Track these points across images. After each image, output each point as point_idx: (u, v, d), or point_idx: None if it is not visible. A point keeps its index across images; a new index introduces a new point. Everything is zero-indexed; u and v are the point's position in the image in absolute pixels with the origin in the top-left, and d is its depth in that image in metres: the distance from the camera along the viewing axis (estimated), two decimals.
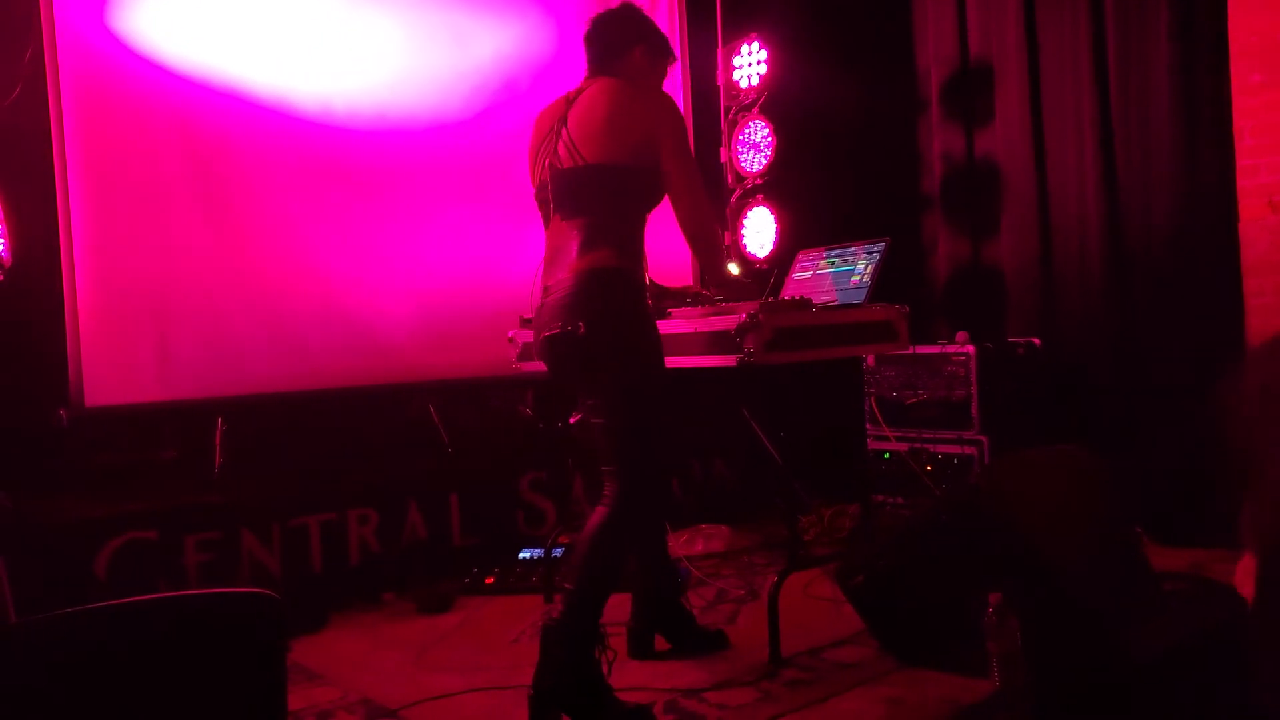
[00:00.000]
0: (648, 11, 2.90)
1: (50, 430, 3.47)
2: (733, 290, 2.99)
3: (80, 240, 3.53)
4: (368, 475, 4.00)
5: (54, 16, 3.50)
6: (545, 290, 2.67)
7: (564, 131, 2.65)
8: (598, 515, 2.56)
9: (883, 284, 3.29)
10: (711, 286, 3.01)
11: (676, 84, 5.04)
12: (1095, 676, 2.05)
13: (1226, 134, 3.91)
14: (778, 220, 4.86)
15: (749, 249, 4.92)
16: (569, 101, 2.72)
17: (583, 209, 2.61)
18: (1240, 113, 3.87)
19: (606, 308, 2.54)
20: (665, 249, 3.19)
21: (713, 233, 2.71)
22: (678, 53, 2.91)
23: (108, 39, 3.62)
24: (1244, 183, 3.87)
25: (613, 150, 2.57)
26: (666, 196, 2.67)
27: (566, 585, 2.54)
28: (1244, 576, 0.78)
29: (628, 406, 2.56)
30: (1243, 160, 3.87)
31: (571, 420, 3.32)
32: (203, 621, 1.47)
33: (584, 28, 2.82)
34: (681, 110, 2.75)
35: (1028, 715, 2.14)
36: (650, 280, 3.03)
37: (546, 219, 2.77)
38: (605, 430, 2.58)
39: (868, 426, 4.49)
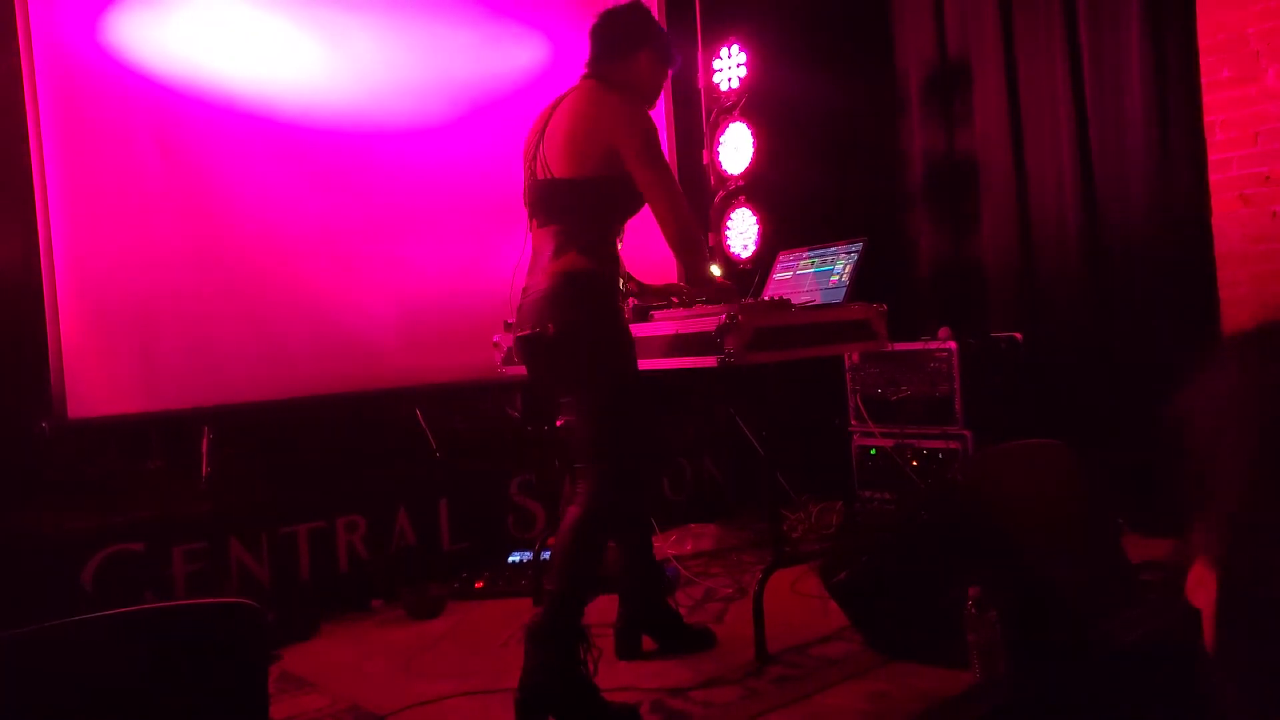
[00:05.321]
0: None
1: (33, 443, 3.46)
2: (714, 292, 2.98)
3: (60, 250, 3.51)
4: (356, 482, 4.01)
5: (30, 22, 3.47)
6: (523, 292, 2.73)
7: (541, 144, 2.70)
8: (570, 514, 2.58)
9: (862, 283, 3.32)
10: (694, 288, 3.00)
11: None
12: (1072, 666, 2.08)
13: (1198, 129, 3.96)
14: (760, 221, 4.89)
15: (732, 250, 4.94)
16: (556, 105, 2.75)
17: (555, 218, 2.67)
18: (1211, 108, 3.92)
19: (575, 308, 2.60)
20: (648, 249, 3.19)
21: (693, 235, 2.68)
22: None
23: (87, 45, 3.59)
24: (1216, 176, 3.92)
25: (577, 165, 2.61)
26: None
27: (547, 586, 2.57)
28: (1195, 587, 0.77)
29: (597, 404, 2.60)
30: (1214, 154, 3.92)
31: (559, 423, 3.34)
32: (184, 632, 1.49)
33: (592, 20, 2.81)
34: (662, 112, 2.76)
35: (1006, 706, 2.17)
36: (635, 280, 3.06)
37: (529, 221, 2.82)
38: (576, 428, 2.64)
39: (853, 423, 4.52)
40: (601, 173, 2.60)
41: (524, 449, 4.42)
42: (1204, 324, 3.91)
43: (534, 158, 2.72)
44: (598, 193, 2.63)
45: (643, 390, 2.68)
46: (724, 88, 4.91)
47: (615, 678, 2.73)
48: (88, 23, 3.60)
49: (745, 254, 4.89)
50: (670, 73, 2.91)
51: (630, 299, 3.05)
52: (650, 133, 2.63)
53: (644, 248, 2.84)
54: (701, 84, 5.01)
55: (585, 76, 2.78)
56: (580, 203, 2.64)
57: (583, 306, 2.60)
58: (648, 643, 3.04)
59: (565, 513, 2.61)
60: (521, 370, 3.01)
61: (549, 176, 2.66)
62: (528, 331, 2.64)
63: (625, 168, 2.61)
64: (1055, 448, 2.73)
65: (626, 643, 3.01)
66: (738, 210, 4.92)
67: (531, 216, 2.77)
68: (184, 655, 1.49)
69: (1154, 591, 2.61)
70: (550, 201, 2.68)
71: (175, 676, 1.48)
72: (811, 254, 3.57)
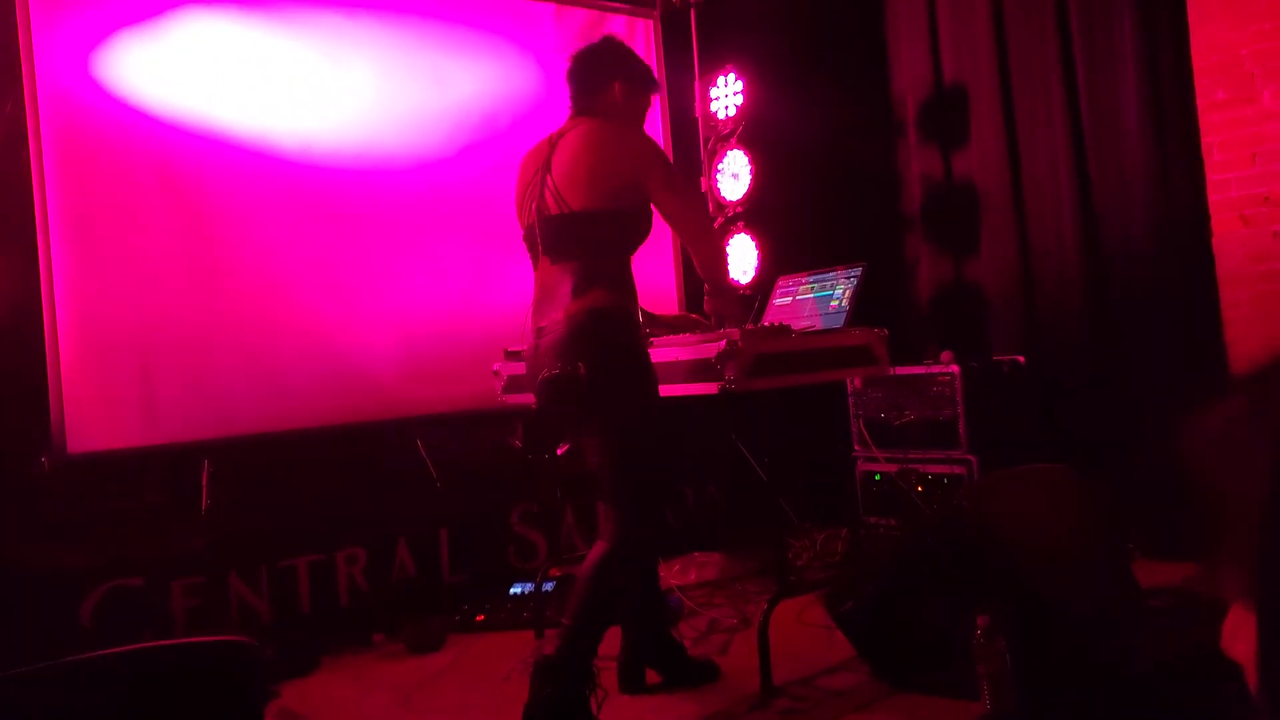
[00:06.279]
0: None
1: (32, 478, 3.45)
2: (736, 303, 3.02)
3: (62, 285, 3.52)
4: (356, 514, 3.98)
5: (34, 63, 3.52)
6: (539, 332, 2.67)
7: (548, 178, 2.68)
8: (597, 550, 2.56)
9: (863, 307, 3.31)
10: (713, 295, 2.97)
11: (655, 115, 5.08)
12: (1082, 695, 2.05)
13: (1195, 150, 3.96)
14: (759, 247, 4.88)
15: (732, 276, 4.93)
16: (552, 144, 2.74)
17: (572, 254, 2.64)
18: (1208, 129, 3.92)
19: (605, 347, 2.56)
20: (649, 276, 3.19)
21: (721, 250, 2.74)
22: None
23: (89, 85, 3.63)
24: (1215, 197, 3.92)
25: (598, 197, 2.60)
26: (653, 228, 2.71)
27: (563, 621, 2.53)
28: (1232, 637, 0.71)
29: (627, 444, 2.57)
30: (1213, 175, 3.92)
31: (560, 451, 3.31)
32: (179, 671, 1.46)
33: (565, 64, 2.86)
34: (661, 141, 2.78)
35: None
36: (643, 309, 3.05)
37: (535, 260, 2.79)
38: (604, 468, 2.59)
39: (857, 448, 4.50)
40: (619, 205, 2.62)
41: (525, 479, 4.40)
42: (1207, 344, 3.90)
43: (539, 196, 2.70)
44: (618, 224, 2.63)
45: (667, 427, 2.66)
46: (721, 115, 4.92)
47: (619, 713, 2.69)
48: (89, 62, 3.64)
49: (745, 280, 4.88)
50: (653, 98, 2.92)
51: None
52: (666, 157, 2.72)
53: (639, 277, 2.81)
54: (699, 112, 5.02)
55: (575, 115, 2.80)
56: (599, 236, 2.62)
57: (612, 345, 2.58)
58: (651, 675, 3.01)
59: (582, 546, 2.60)
60: (522, 399, 2.99)
61: (564, 212, 2.63)
62: (557, 372, 2.56)
63: (644, 197, 2.64)
64: (1062, 472, 2.71)
65: (630, 676, 2.97)
66: (736, 236, 4.91)
67: (542, 254, 2.73)
68: (180, 695, 1.46)
69: (1165, 618, 2.58)
70: (566, 237, 2.65)
71: (171, 716, 1.45)
72: (811, 279, 3.56)
